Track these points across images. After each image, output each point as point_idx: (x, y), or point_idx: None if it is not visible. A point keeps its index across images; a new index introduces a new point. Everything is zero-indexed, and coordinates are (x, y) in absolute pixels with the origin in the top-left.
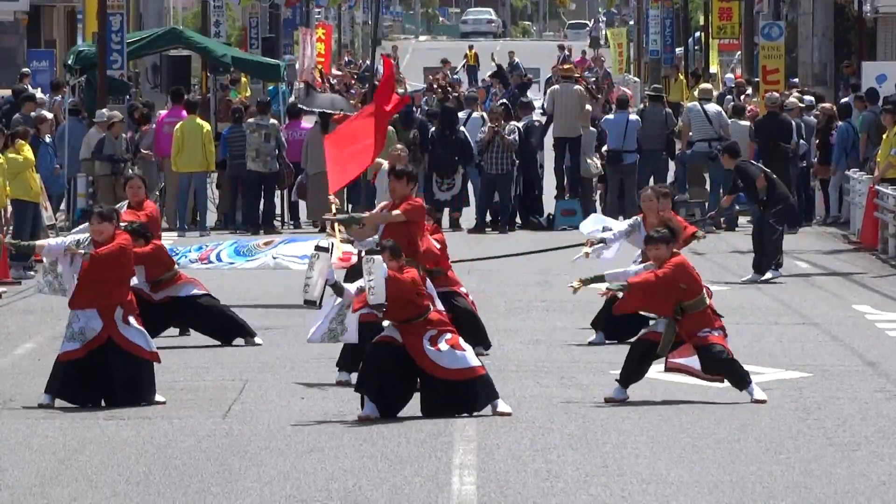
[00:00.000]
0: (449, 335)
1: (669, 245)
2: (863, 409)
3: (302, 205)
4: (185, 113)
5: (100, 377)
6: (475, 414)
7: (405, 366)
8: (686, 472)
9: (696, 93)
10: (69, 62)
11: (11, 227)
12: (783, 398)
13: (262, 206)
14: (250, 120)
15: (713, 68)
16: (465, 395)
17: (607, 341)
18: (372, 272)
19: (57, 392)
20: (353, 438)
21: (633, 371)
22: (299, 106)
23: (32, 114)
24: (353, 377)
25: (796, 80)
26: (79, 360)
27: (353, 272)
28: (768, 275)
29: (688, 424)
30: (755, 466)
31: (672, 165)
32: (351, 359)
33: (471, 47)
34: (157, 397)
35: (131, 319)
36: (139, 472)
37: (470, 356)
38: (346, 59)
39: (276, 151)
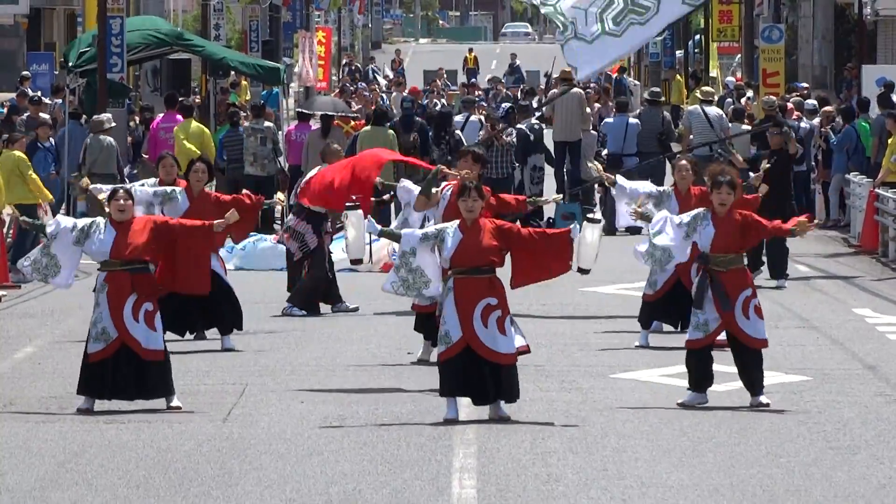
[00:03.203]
0: (500, 312)
1: (735, 188)
2: (863, 413)
3: None
4: (179, 118)
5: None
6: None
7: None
8: (686, 476)
9: (697, 94)
10: (70, 63)
11: (12, 231)
12: (783, 402)
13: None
14: (245, 124)
15: (713, 71)
16: (495, 380)
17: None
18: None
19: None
20: (352, 442)
21: (701, 377)
22: (298, 109)
23: (26, 115)
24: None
25: (803, 84)
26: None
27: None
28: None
29: (688, 428)
30: (755, 470)
31: (670, 168)
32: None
33: (470, 50)
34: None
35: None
36: (139, 475)
37: (508, 341)
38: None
39: (273, 154)
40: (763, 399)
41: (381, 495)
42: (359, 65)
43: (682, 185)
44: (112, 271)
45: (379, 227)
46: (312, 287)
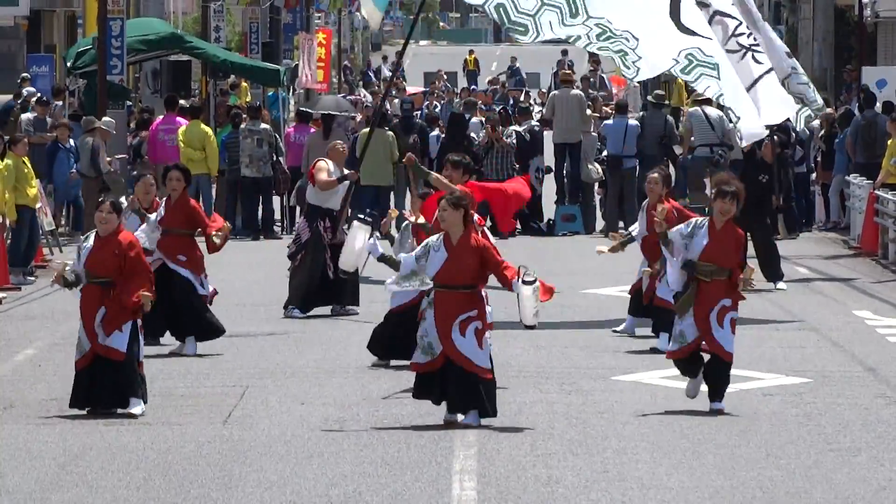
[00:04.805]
0: (479, 324)
1: (739, 201)
2: (863, 415)
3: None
4: (179, 119)
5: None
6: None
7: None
8: (686, 478)
9: (689, 98)
10: (69, 64)
11: (10, 233)
12: (783, 404)
13: (260, 212)
14: (242, 126)
15: None
16: (475, 390)
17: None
18: (528, 299)
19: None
20: (353, 444)
21: (689, 369)
22: (301, 109)
23: (34, 116)
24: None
25: None
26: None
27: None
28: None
29: (688, 430)
30: (755, 472)
31: (672, 170)
32: (381, 344)
33: (471, 52)
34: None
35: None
36: (139, 477)
37: (485, 356)
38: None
39: (273, 156)
40: (719, 405)
41: (381, 497)
42: (349, 64)
43: (651, 197)
44: (86, 283)
45: (381, 250)
46: (306, 282)
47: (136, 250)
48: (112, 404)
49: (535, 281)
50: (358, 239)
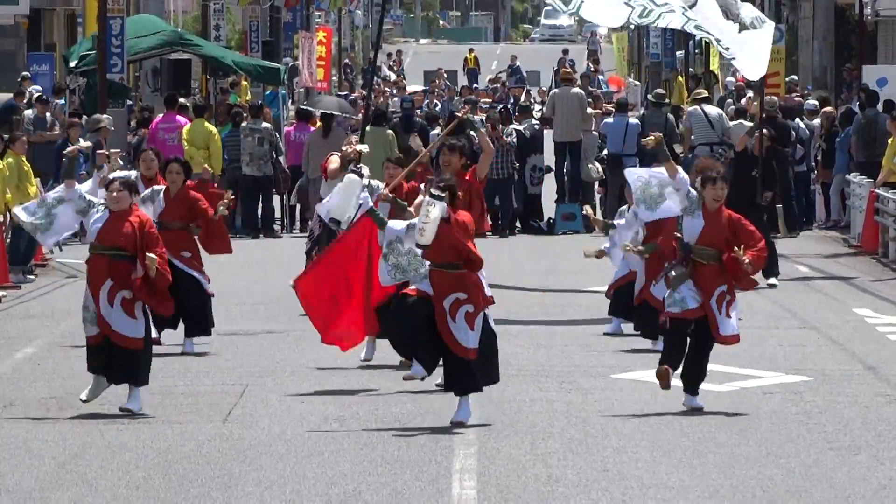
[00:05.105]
0: (471, 307)
1: (726, 182)
2: (863, 413)
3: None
4: (178, 118)
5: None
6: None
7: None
8: (686, 477)
9: (690, 97)
10: (70, 64)
11: (10, 232)
12: (784, 402)
13: (260, 211)
14: (243, 124)
15: (714, 71)
16: (469, 372)
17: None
18: (429, 215)
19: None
20: (353, 443)
21: (675, 350)
22: (302, 106)
23: (34, 114)
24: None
25: (794, 77)
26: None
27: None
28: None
29: (688, 428)
30: (755, 470)
31: None
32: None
33: (471, 50)
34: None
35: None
36: (139, 476)
37: (473, 337)
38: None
39: (273, 155)
40: (695, 401)
41: (381, 496)
42: (350, 63)
43: None
44: (93, 254)
45: (371, 204)
46: None
47: (153, 228)
48: (120, 382)
49: (440, 198)
50: (350, 188)
